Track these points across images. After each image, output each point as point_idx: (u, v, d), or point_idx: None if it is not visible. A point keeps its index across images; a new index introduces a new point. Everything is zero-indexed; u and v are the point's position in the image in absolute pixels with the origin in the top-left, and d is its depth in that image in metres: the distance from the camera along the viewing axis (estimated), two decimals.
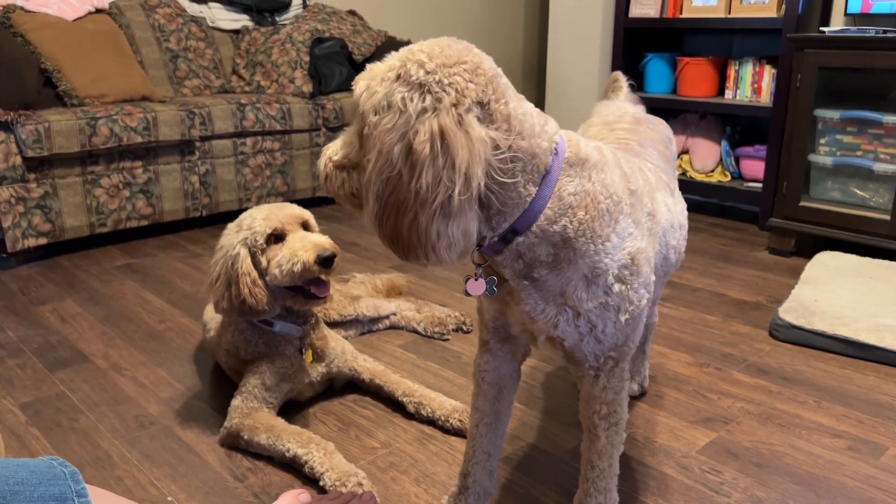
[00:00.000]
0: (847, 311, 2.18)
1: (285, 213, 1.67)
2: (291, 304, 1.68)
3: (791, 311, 2.20)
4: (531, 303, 1.05)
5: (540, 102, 6.04)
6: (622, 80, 1.73)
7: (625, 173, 1.07)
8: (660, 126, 1.53)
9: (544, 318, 1.05)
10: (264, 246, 1.62)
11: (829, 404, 1.80)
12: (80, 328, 2.24)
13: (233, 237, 1.65)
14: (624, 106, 1.56)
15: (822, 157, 2.92)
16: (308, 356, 1.74)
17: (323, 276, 1.64)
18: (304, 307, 1.70)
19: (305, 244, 1.60)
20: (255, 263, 1.63)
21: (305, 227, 1.70)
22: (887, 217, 2.76)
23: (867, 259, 2.69)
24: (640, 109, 1.57)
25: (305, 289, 1.65)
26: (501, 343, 1.22)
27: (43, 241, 2.82)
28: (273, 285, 1.64)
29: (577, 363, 1.13)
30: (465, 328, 2.22)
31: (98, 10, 3.39)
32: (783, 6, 3.23)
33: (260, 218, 1.64)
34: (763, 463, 1.56)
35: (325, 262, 1.59)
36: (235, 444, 1.60)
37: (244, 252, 1.62)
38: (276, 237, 1.64)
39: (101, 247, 3.05)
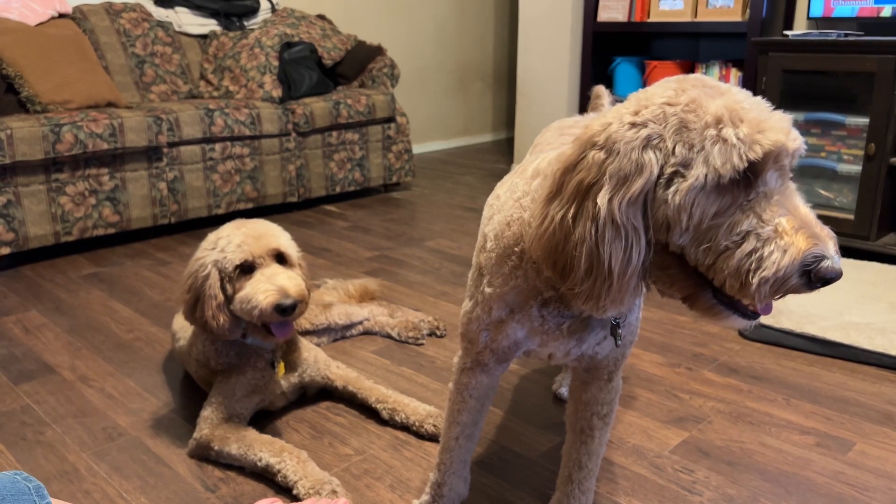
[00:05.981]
0: (814, 310, 2.22)
1: (260, 244, 1.59)
2: (252, 334, 1.65)
3: None
4: (597, 330, 1.07)
5: (511, 106, 6.07)
6: (604, 97, 1.69)
7: None
8: None
9: (596, 340, 1.09)
10: (233, 275, 1.58)
11: (797, 402, 1.83)
12: (46, 339, 2.19)
13: (208, 254, 1.60)
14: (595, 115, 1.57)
15: None
16: (280, 370, 1.72)
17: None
18: (265, 341, 1.67)
19: (269, 287, 1.53)
20: (223, 288, 1.59)
21: (281, 258, 1.63)
22: (851, 217, 2.81)
23: None
24: None
25: (267, 326, 1.61)
26: (500, 363, 1.21)
27: (6, 250, 2.75)
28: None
29: (596, 370, 1.17)
30: (438, 333, 2.21)
31: (61, 15, 3.33)
32: (748, 10, 3.29)
33: (234, 244, 1.58)
34: (734, 461, 1.58)
35: (284, 311, 1.53)
36: (206, 454, 1.58)
37: (215, 274, 1.58)
38: (247, 268, 1.59)
39: (66, 256, 3.00)
